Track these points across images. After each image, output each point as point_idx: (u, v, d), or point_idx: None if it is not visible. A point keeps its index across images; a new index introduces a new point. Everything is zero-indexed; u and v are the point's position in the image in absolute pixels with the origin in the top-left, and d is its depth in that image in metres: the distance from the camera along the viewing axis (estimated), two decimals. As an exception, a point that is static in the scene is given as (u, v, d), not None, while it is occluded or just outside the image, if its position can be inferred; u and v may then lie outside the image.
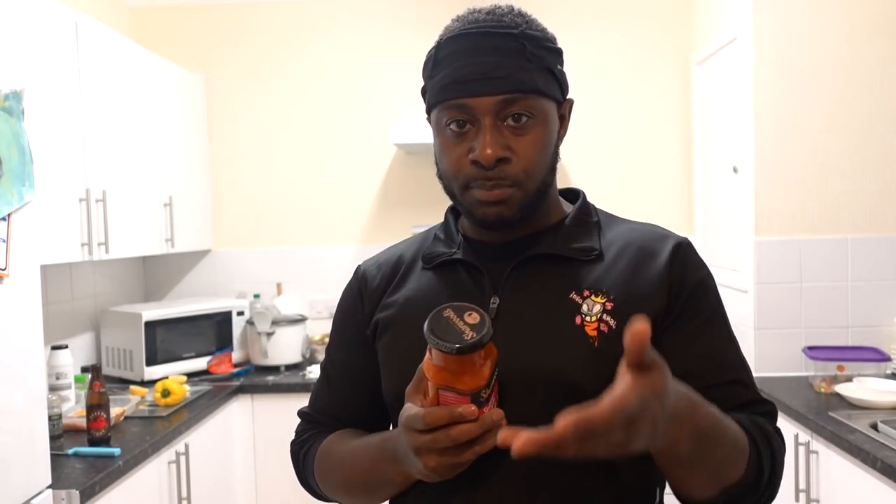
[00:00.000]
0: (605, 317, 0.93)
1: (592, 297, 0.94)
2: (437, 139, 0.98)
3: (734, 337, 1.02)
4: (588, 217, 1.05)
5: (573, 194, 1.11)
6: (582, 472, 0.90)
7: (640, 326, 0.65)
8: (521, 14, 0.96)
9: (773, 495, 0.92)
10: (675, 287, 0.95)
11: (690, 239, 3.80)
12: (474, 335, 0.83)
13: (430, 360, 0.87)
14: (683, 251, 0.99)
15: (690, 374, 0.87)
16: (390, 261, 1.10)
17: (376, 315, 1.06)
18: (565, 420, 0.64)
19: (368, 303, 1.08)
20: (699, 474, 0.83)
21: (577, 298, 0.94)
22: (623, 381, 0.67)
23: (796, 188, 2.77)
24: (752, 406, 0.97)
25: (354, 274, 1.14)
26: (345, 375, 1.11)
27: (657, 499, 0.99)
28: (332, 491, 1.08)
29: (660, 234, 1.02)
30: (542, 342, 0.92)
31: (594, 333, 0.92)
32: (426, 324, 0.85)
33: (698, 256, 1.01)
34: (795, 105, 2.75)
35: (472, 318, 0.86)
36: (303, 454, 1.12)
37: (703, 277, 0.99)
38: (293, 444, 1.16)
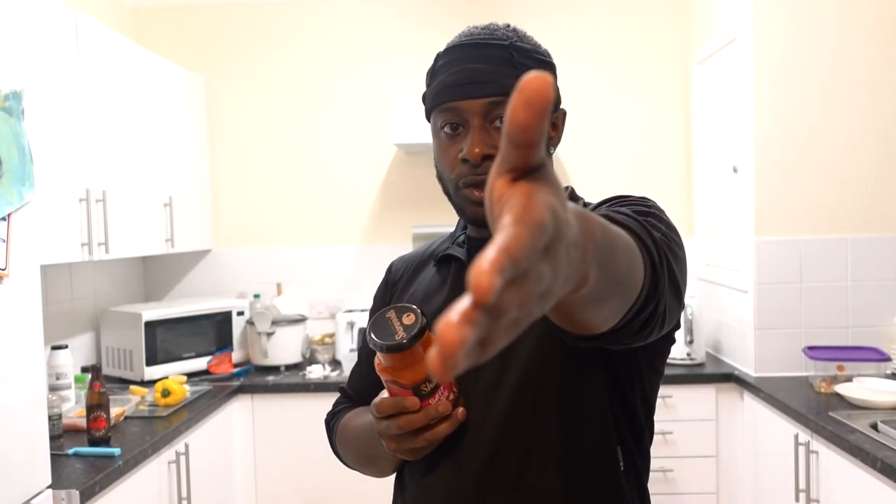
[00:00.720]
0: None
1: None
2: (434, 143, 1.05)
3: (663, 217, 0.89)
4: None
5: None
6: (537, 452, 0.98)
7: (531, 85, 0.41)
8: (514, 30, 1.03)
9: (661, 286, 0.77)
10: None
11: (690, 239, 3.75)
12: (404, 335, 0.90)
13: (377, 356, 0.95)
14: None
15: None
16: (414, 258, 1.23)
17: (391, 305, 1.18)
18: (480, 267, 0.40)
19: (391, 294, 1.21)
20: (610, 303, 0.67)
21: None
22: (518, 194, 0.43)
23: (796, 188, 2.77)
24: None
25: (387, 269, 1.27)
26: (371, 358, 1.22)
27: (620, 462, 1.01)
28: (349, 461, 1.21)
29: None
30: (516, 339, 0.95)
31: None
32: (368, 324, 0.95)
33: (661, 214, 0.89)
34: (795, 105, 2.75)
35: (409, 318, 0.93)
36: (332, 425, 1.25)
37: (652, 207, 0.89)
38: (328, 414, 1.29)
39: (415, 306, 0.96)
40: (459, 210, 1.05)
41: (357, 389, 1.26)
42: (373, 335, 0.92)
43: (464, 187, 1.00)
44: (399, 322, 0.93)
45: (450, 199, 1.06)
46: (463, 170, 1.00)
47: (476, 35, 1.01)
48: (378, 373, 0.95)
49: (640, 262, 0.71)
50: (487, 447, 0.99)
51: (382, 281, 1.26)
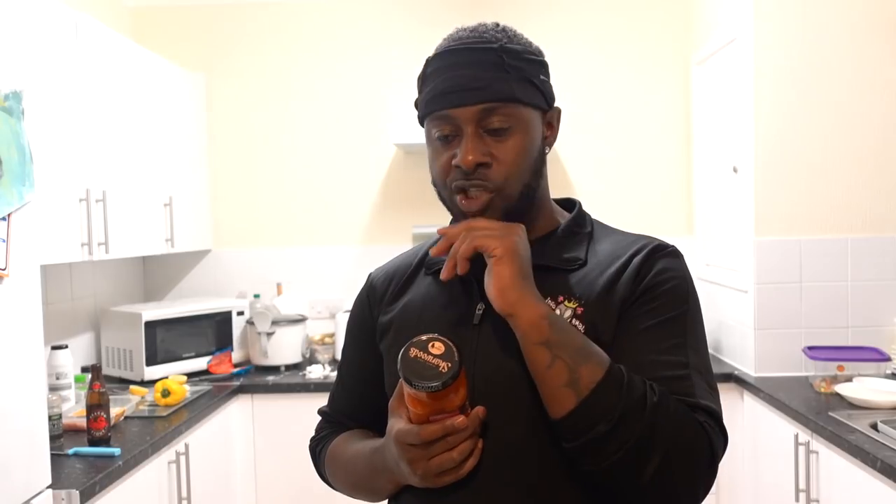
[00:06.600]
0: (574, 321, 0.97)
1: (566, 302, 0.99)
2: (428, 150, 1.05)
3: (693, 343, 0.98)
4: (581, 228, 1.09)
5: (571, 204, 1.15)
6: (553, 467, 0.95)
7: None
8: (504, 30, 1.01)
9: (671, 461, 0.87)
10: (637, 280, 0.98)
11: (691, 239, 3.74)
12: (449, 365, 0.88)
13: (414, 396, 0.90)
14: (655, 253, 1.01)
15: (637, 366, 0.93)
16: (398, 269, 1.17)
17: (380, 318, 1.14)
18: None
19: (375, 307, 1.16)
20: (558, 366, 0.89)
21: (552, 304, 0.99)
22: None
23: (796, 188, 2.77)
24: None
25: (366, 281, 1.21)
26: (356, 376, 1.19)
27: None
28: (341, 489, 1.18)
29: (645, 240, 1.05)
30: (516, 347, 0.95)
31: None
32: (401, 371, 0.89)
33: (676, 262, 1.02)
34: (795, 105, 2.75)
35: (437, 348, 0.90)
36: (318, 451, 1.21)
37: (668, 277, 0.99)
38: (312, 440, 1.24)
39: (430, 334, 0.92)
40: (457, 217, 1.05)
41: (342, 411, 1.21)
42: (419, 381, 0.87)
43: (455, 192, 1.00)
44: (430, 356, 0.89)
45: (445, 205, 1.06)
46: (455, 175, 1.00)
47: (465, 39, 1.00)
48: (419, 413, 0.90)
49: (601, 365, 0.90)
50: (504, 467, 0.95)
51: (362, 295, 1.19)
